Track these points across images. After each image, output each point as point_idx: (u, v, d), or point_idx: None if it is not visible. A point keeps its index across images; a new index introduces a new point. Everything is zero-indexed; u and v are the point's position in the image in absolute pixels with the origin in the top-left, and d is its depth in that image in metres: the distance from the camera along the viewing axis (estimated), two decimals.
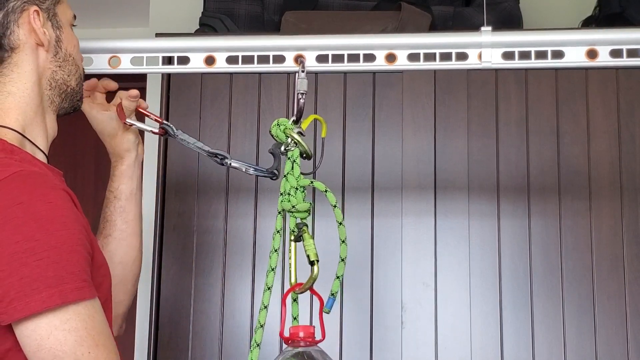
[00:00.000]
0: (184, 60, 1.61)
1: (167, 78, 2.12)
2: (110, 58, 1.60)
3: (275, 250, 1.42)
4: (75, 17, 1.44)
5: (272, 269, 1.41)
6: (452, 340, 1.98)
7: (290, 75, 2.08)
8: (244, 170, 1.49)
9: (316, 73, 1.89)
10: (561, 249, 2.00)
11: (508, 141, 2.05)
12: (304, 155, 1.44)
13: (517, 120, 2.06)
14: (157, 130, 1.55)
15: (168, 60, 1.64)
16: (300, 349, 1.30)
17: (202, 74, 2.01)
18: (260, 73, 2.02)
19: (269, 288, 1.41)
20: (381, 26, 2.15)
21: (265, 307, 1.40)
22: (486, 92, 2.08)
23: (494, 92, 2.08)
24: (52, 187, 1.21)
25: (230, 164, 1.51)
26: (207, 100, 2.12)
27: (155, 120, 1.56)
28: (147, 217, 2.34)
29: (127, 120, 1.53)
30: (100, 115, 1.56)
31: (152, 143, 2.19)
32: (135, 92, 1.54)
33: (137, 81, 1.69)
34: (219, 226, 2.05)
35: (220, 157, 1.52)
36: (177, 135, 1.54)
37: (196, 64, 1.60)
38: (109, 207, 1.58)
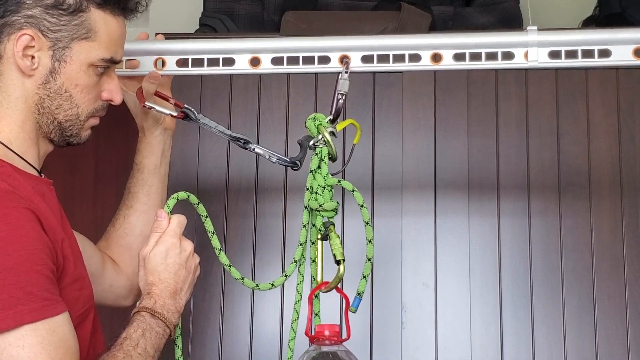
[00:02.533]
0: (229, 62, 1.61)
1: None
2: (156, 60, 1.60)
3: (301, 244, 1.45)
4: (114, 61, 1.39)
5: (295, 261, 1.45)
6: (452, 340, 1.98)
7: (290, 75, 2.08)
8: (267, 157, 1.50)
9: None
10: (561, 249, 2.00)
11: (508, 141, 2.05)
12: (330, 156, 1.45)
13: (517, 120, 2.06)
14: (176, 114, 1.55)
15: (212, 62, 1.62)
16: (325, 349, 1.31)
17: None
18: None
19: (286, 276, 1.46)
20: (381, 26, 2.15)
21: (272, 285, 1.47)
22: (486, 92, 2.08)
23: (494, 92, 2.08)
24: (14, 207, 1.21)
25: (254, 149, 1.51)
26: (207, 100, 2.12)
27: (176, 104, 1.57)
28: None
29: (146, 103, 1.53)
30: (125, 94, 1.56)
31: None
32: (155, 74, 1.54)
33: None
34: (220, 226, 2.05)
35: (242, 141, 1.52)
36: (199, 119, 1.54)
37: (241, 65, 1.60)
38: (132, 179, 1.61)
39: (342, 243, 1.94)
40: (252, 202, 2.06)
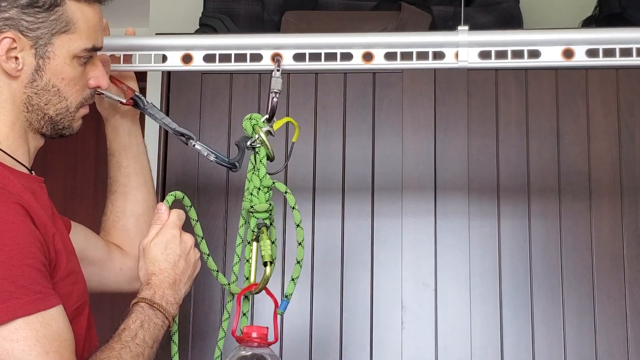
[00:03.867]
0: (160, 59, 1.62)
1: (167, 77, 2.12)
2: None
3: (239, 245, 1.47)
4: (96, 48, 1.41)
5: (236, 263, 1.48)
6: (452, 340, 1.98)
7: (290, 75, 2.08)
8: (205, 154, 1.51)
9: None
10: (561, 249, 2.00)
11: (508, 141, 2.05)
12: (267, 156, 1.45)
13: (517, 120, 2.06)
14: (124, 101, 1.56)
15: (144, 59, 1.64)
16: (251, 350, 1.31)
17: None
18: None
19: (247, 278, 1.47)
20: (381, 26, 2.15)
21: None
22: (486, 92, 2.08)
23: (494, 92, 2.08)
24: (4, 202, 1.22)
25: (195, 145, 1.52)
26: (207, 100, 2.12)
27: (128, 91, 1.58)
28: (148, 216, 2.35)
29: (99, 90, 1.53)
30: None
31: (152, 143, 2.19)
32: (105, 56, 1.55)
33: (138, 80, 1.69)
34: (220, 226, 2.05)
35: (185, 137, 1.53)
36: (147, 109, 1.57)
37: (173, 62, 1.61)
38: (109, 165, 1.65)
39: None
40: None
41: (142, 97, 1.57)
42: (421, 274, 2.01)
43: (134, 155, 1.64)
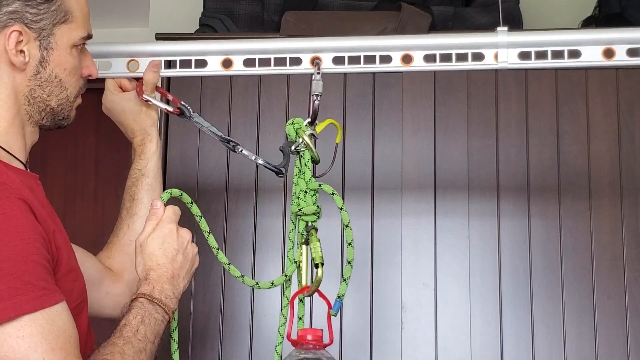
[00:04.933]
0: (201, 64, 1.62)
1: (167, 78, 2.11)
2: (129, 62, 1.61)
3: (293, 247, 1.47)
4: (89, 36, 1.42)
5: (294, 262, 1.47)
6: (452, 340, 1.98)
7: (290, 76, 2.08)
8: (252, 159, 1.51)
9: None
10: (561, 249, 2.00)
11: (508, 141, 2.05)
12: (312, 159, 1.45)
13: (517, 120, 2.06)
14: (172, 110, 1.56)
15: (184, 64, 1.64)
16: (308, 353, 1.30)
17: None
18: (261, 75, 2.02)
19: (286, 276, 1.48)
20: (381, 26, 2.15)
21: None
22: (486, 92, 2.08)
23: (494, 92, 2.08)
24: (7, 197, 1.21)
25: (242, 150, 1.53)
26: (207, 100, 2.12)
27: (173, 100, 1.59)
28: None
29: (144, 96, 1.55)
30: (120, 95, 1.59)
31: None
32: (157, 62, 1.57)
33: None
34: (220, 226, 2.05)
35: (232, 143, 1.54)
36: (193, 118, 1.57)
37: (213, 67, 1.61)
38: (136, 185, 1.60)
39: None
40: (252, 202, 2.06)
41: (188, 107, 1.57)
42: (421, 274, 2.01)
43: (160, 178, 1.64)
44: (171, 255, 1.38)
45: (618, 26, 2.00)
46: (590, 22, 2.29)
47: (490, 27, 2.21)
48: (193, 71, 1.62)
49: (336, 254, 1.98)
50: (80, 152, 3.33)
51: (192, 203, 1.46)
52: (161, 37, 2.13)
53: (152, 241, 1.38)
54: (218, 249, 1.46)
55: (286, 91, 2.10)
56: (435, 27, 2.19)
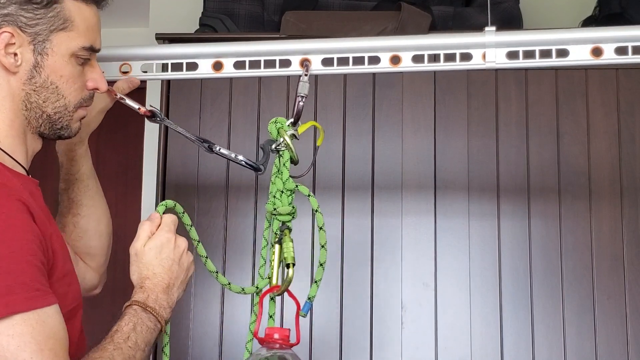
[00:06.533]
0: (192, 67, 1.62)
1: (167, 80, 2.12)
2: (121, 65, 1.62)
3: (264, 247, 1.47)
4: (93, 48, 1.40)
5: (262, 266, 1.47)
6: (452, 340, 1.98)
7: (289, 77, 2.08)
8: (233, 156, 1.51)
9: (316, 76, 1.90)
10: (561, 249, 2.00)
11: (508, 141, 2.05)
12: (292, 160, 1.45)
13: (517, 120, 2.06)
14: (143, 111, 1.56)
15: (176, 67, 1.65)
16: (273, 352, 1.30)
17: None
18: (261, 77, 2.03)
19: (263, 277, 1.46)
20: (381, 26, 2.15)
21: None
22: (486, 92, 2.08)
23: (494, 92, 2.08)
24: (7, 198, 1.22)
25: (220, 149, 1.52)
26: (207, 100, 2.12)
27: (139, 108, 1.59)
28: (148, 214, 2.35)
29: (119, 94, 1.55)
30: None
31: (152, 142, 2.20)
32: (136, 80, 1.58)
33: None
34: (219, 224, 2.05)
35: (207, 144, 1.54)
36: (164, 120, 1.57)
37: (204, 69, 1.61)
38: (72, 189, 1.61)
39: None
40: (252, 201, 2.06)
41: (157, 109, 1.58)
42: (421, 274, 2.01)
43: (95, 175, 1.64)
44: (167, 264, 1.37)
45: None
46: (590, 22, 2.29)
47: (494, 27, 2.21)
48: (184, 74, 1.63)
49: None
50: None
51: (184, 213, 1.46)
52: (161, 37, 2.13)
53: (150, 250, 1.37)
54: (207, 257, 1.46)
55: (286, 91, 2.10)
56: (435, 27, 2.19)
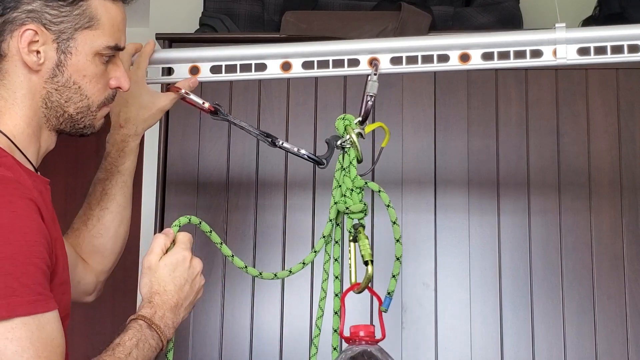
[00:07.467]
0: (260, 67, 1.63)
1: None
2: (191, 67, 1.63)
3: (324, 236, 1.47)
4: (118, 47, 1.38)
5: (323, 236, 1.47)
6: (452, 340, 1.98)
7: (289, 79, 2.08)
8: (295, 150, 1.51)
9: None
10: (561, 248, 2.00)
11: (508, 141, 2.05)
12: (356, 158, 1.46)
13: (517, 120, 2.06)
14: (207, 107, 1.57)
15: (244, 68, 1.65)
16: (361, 348, 1.31)
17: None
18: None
19: (315, 252, 1.49)
20: (381, 26, 2.15)
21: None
22: (486, 92, 2.08)
23: (494, 92, 2.08)
24: (20, 196, 1.20)
25: (283, 143, 1.54)
26: (207, 100, 2.11)
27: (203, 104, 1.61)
28: (148, 213, 2.35)
29: (184, 90, 1.56)
30: (147, 87, 1.59)
31: (152, 140, 2.20)
32: (196, 81, 1.59)
33: None
34: (220, 222, 2.05)
35: (271, 138, 1.54)
36: (228, 117, 1.57)
37: (273, 70, 1.62)
38: (110, 181, 1.59)
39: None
40: (253, 198, 2.06)
41: (222, 106, 1.58)
42: (421, 273, 2.01)
43: (132, 176, 1.63)
44: (180, 283, 1.36)
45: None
46: (590, 22, 2.29)
47: (490, 27, 2.21)
48: (252, 75, 1.63)
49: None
50: (81, 154, 3.33)
51: (211, 231, 1.45)
52: (161, 37, 2.13)
53: (165, 267, 1.35)
54: (233, 256, 1.46)
55: (286, 92, 2.10)
56: (435, 27, 2.19)
